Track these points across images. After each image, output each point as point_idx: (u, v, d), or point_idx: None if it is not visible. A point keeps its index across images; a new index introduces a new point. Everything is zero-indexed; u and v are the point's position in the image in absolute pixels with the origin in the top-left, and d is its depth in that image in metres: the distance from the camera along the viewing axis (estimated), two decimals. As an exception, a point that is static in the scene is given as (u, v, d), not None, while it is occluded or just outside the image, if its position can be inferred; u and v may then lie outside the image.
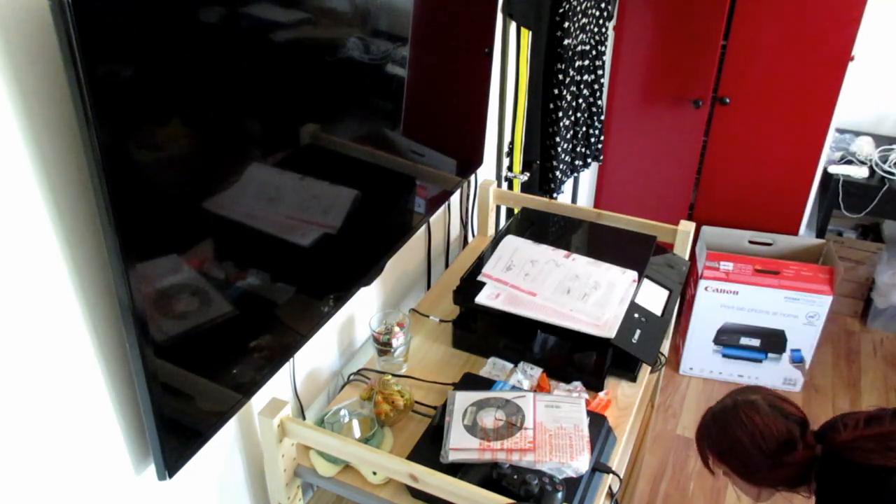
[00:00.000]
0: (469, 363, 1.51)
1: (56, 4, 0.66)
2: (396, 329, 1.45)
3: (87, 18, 0.68)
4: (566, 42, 2.14)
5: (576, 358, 1.40)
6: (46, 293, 0.84)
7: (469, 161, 1.81)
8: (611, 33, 2.78)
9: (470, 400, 1.28)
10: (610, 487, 1.24)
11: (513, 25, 1.97)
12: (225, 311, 1.01)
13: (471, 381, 1.37)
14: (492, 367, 1.47)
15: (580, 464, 1.15)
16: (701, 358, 2.80)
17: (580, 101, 2.39)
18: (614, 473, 1.23)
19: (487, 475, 1.14)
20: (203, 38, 0.84)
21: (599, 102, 2.54)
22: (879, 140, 2.89)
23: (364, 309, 1.61)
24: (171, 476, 0.98)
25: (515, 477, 1.13)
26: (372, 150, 1.30)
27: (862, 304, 3.12)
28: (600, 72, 2.49)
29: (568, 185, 2.91)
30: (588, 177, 3.14)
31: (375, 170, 1.34)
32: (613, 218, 1.76)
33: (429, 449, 1.21)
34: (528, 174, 2.25)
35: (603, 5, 2.40)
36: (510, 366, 1.46)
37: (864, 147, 2.81)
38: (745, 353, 2.75)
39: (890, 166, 2.74)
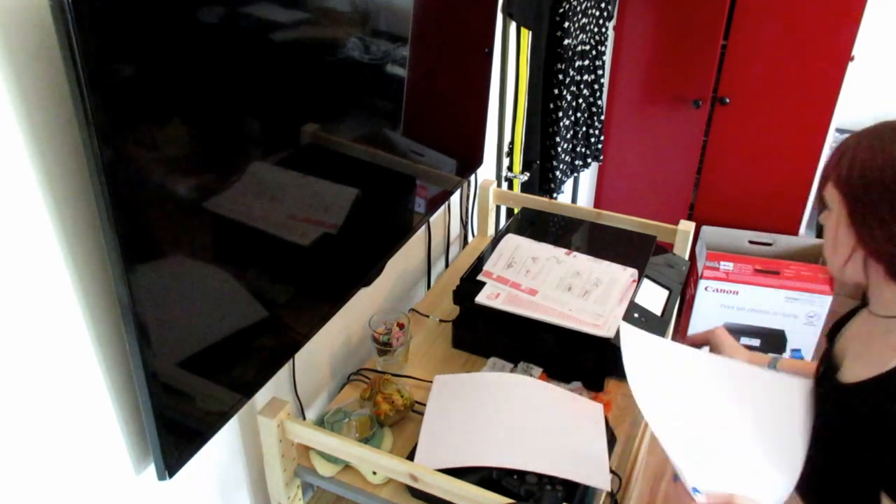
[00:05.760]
0: (469, 363, 1.51)
1: (56, 4, 0.66)
2: (396, 329, 1.45)
3: (87, 18, 0.68)
4: (566, 42, 2.14)
5: (575, 358, 1.40)
6: (47, 293, 0.84)
7: (469, 161, 1.81)
8: (611, 33, 2.78)
9: (470, 400, 1.28)
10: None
11: (513, 25, 1.96)
12: (225, 310, 1.01)
13: (471, 381, 1.37)
14: (492, 366, 1.47)
15: (580, 464, 1.15)
16: (701, 358, 2.80)
17: (580, 101, 2.39)
18: (614, 473, 1.23)
19: (487, 475, 1.14)
20: (203, 38, 0.84)
21: (599, 102, 2.54)
22: (879, 140, 2.88)
23: (364, 309, 1.61)
24: (171, 476, 0.98)
25: (515, 477, 1.13)
26: (372, 149, 1.30)
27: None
28: (600, 72, 2.49)
29: (568, 185, 2.91)
30: (588, 177, 3.14)
31: (375, 170, 1.34)
32: (613, 218, 1.76)
33: (429, 449, 1.21)
34: (528, 174, 2.25)
35: (603, 5, 2.40)
36: (510, 366, 1.46)
37: (864, 147, 2.81)
38: (745, 353, 2.75)
39: (890, 166, 2.73)
